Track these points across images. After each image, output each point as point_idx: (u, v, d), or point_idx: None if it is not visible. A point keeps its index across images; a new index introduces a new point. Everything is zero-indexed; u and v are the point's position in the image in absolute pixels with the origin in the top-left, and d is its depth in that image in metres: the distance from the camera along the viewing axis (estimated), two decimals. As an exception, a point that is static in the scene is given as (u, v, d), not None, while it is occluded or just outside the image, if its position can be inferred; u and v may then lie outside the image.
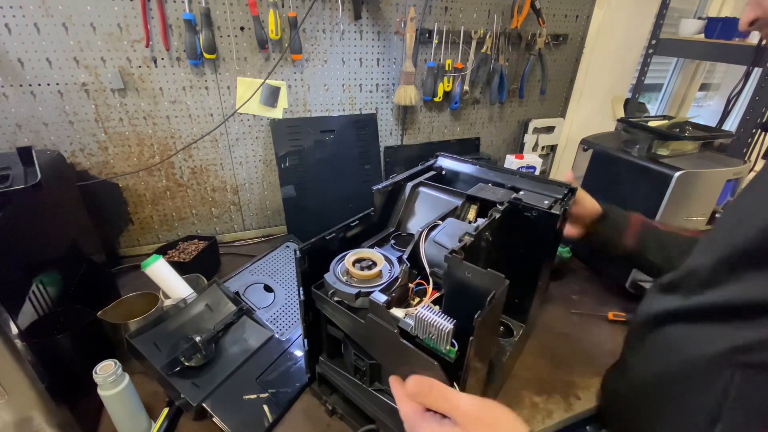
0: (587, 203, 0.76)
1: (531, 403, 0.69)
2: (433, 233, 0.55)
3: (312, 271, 0.55)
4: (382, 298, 0.46)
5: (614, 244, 0.76)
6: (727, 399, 0.40)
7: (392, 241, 0.66)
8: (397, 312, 0.46)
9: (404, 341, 0.44)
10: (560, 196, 0.66)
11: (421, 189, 0.72)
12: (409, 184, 0.72)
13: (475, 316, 0.39)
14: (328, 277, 0.52)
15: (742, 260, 0.41)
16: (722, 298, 0.42)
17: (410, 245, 0.56)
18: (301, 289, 0.55)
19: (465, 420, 0.35)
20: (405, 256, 0.55)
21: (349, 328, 0.54)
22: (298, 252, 0.52)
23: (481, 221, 0.55)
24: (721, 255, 0.44)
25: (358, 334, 0.53)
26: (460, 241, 0.49)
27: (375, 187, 0.66)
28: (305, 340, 0.62)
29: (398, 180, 0.71)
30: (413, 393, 0.38)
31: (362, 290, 0.49)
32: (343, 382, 0.61)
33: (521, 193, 0.67)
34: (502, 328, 0.74)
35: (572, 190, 0.68)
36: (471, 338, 0.39)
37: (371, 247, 0.62)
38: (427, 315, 0.42)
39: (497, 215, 0.57)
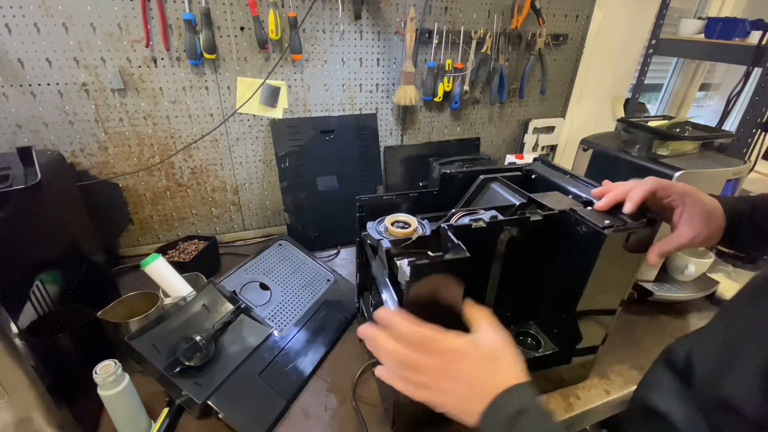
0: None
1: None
2: (466, 216, 0.61)
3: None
4: (386, 244, 0.55)
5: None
6: None
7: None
8: (400, 260, 0.54)
9: (388, 279, 0.55)
10: (633, 221, 0.55)
11: (492, 185, 0.73)
12: (482, 176, 0.74)
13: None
14: (369, 225, 0.65)
15: None
16: None
17: (444, 219, 0.62)
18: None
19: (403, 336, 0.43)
20: (442, 225, 0.58)
21: (373, 267, 0.66)
22: (358, 201, 0.68)
23: (493, 215, 0.58)
24: None
25: (374, 271, 0.65)
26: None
27: (444, 170, 0.74)
28: (357, 274, 0.77)
29: (475, 170, 0.74)
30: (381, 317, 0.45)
31: (383, 238, 0.59)
32: (368, 316, 0.74)
33: (588, 208, 0.60)
34: (530, 340, 0.69)
35: (651, 221, 0.56)
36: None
37: (424, 218, 0.69)
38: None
39: (535, 217, 0.57)
